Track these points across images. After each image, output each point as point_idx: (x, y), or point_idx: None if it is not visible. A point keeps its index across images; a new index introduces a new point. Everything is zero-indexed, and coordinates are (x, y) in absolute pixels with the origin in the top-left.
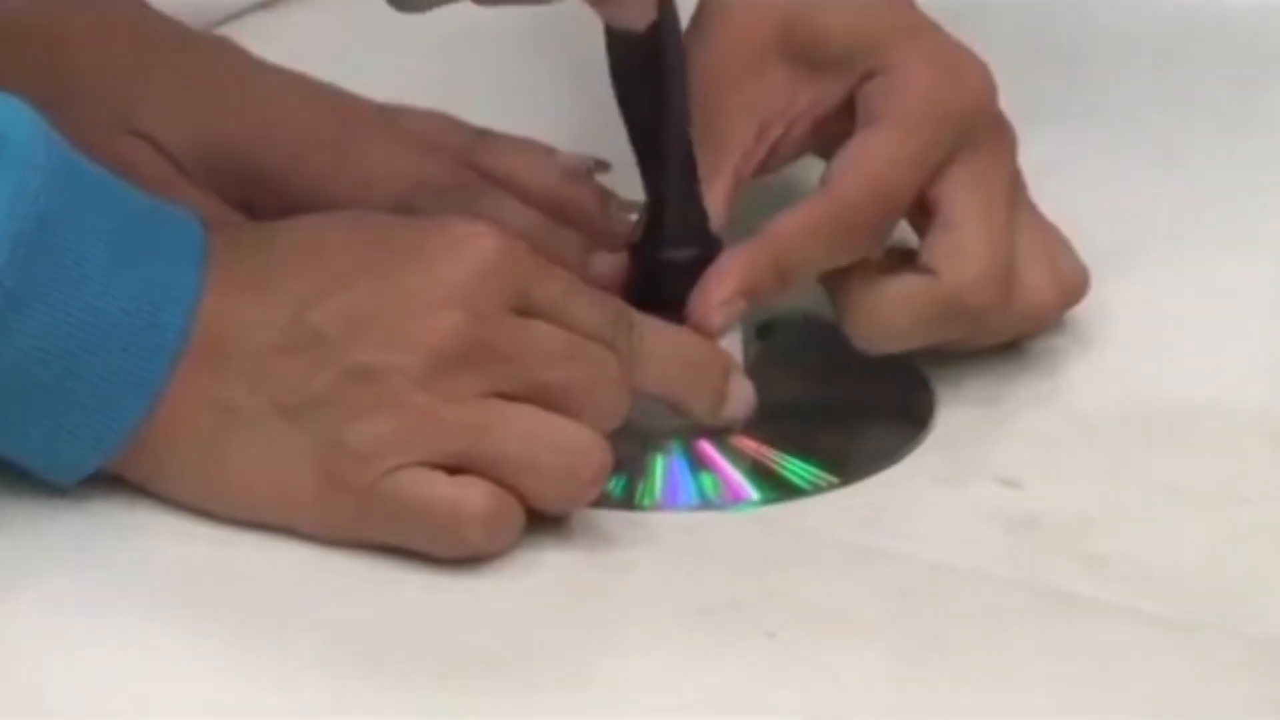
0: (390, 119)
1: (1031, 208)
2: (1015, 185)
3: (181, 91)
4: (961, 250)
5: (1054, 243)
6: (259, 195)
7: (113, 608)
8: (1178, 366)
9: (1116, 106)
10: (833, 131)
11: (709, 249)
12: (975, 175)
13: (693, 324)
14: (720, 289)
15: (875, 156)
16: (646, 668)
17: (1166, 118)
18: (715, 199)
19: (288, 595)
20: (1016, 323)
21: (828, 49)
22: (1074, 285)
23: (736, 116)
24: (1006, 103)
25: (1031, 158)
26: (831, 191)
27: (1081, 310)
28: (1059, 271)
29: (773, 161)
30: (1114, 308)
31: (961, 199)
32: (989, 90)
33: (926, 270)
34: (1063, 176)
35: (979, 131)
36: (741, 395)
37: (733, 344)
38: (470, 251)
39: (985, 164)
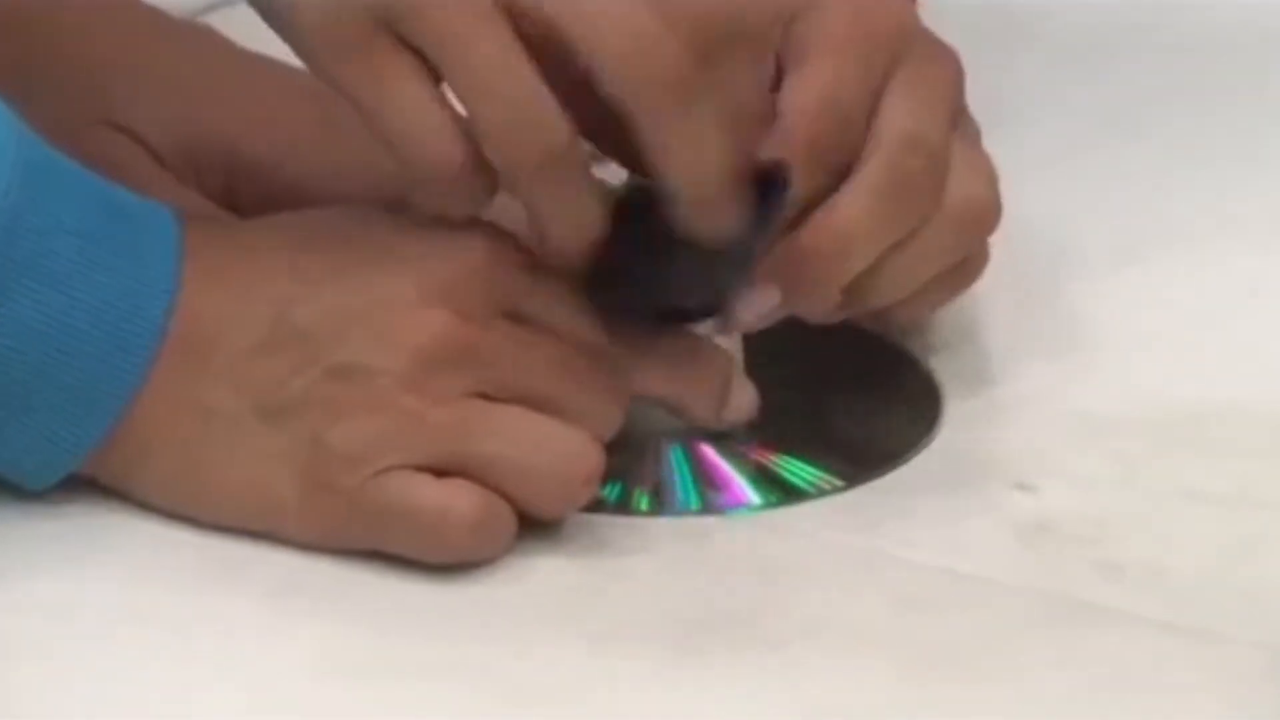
0: None
1: (971, 126)
2: (957, 105)
3: (162, 82)
4: (889, 132)
5: (975, 148)
6: (242, 189)
7: (88, 614)
8: (1195, 366)
9: (1130, 98)
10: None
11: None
12: (909, 88)
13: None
14: (760, 300)
15: (818, 79)
16: (641, 681)
17: (1182, 111)
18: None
19: (270, 603)
20: (952, 215)
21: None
22: (992, 199)
23: None
24: (1019, 93)
25: (1043, 150)
26: (787, 125)
27: (1096, 307)
28: (983, 174)
29: None
30: (1129, 305)
31: (892, 103)
32: (911, 15)
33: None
34: (1075, 169)
35: (912, 53)
36: (744, 398)
37: (732, 343)
38: (459, 249)
39: (921, 80)
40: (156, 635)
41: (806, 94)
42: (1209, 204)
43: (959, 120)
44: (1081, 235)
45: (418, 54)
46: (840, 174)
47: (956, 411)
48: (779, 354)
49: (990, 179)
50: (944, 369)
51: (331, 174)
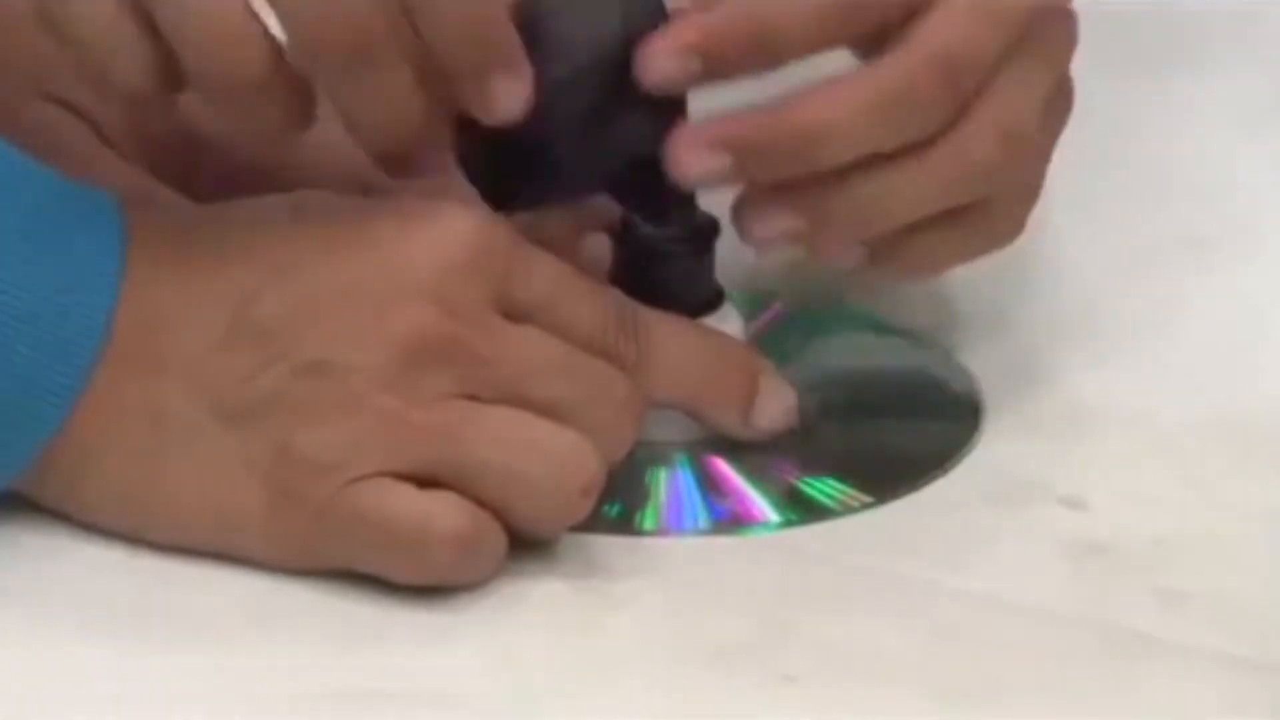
0: None
1: (1045, 56)
2: (1035, 16)
3: None
4: (923, 35)
5: (1032, 101)
6: (197, 171)
7: (23, 645)
8: (1266, 370)
9: (1197, 78)
10: None
11: (705, 230)
12: (1019, 77)
13: (643, 78)
14: (672, 38)
15: (943, 28)
16: (646, 717)
17: (1254, 90)
18: None
19: (231, 630)
20: (943, 163)
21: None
22: (1016, 156)
23: None
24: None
25: (1105, 137)
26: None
27: (1157, 302)
28: (1016, 125)
29: None
30: (1195, 300)
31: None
32: None
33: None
34: (1136, 157)
35: (1040, 27)
36: (777, 401)
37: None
38: (442, 235)
39: (1034, 65)
40: (99, 674)
41: (923, 39)
42: None
43: (1040, 31)
44: (1141, 225)
45: None
46: (879, 30)
47: (998, 419)
48: (800, 355)
49: (1028, 109)
50: (984, 371)
51: (294, 158)
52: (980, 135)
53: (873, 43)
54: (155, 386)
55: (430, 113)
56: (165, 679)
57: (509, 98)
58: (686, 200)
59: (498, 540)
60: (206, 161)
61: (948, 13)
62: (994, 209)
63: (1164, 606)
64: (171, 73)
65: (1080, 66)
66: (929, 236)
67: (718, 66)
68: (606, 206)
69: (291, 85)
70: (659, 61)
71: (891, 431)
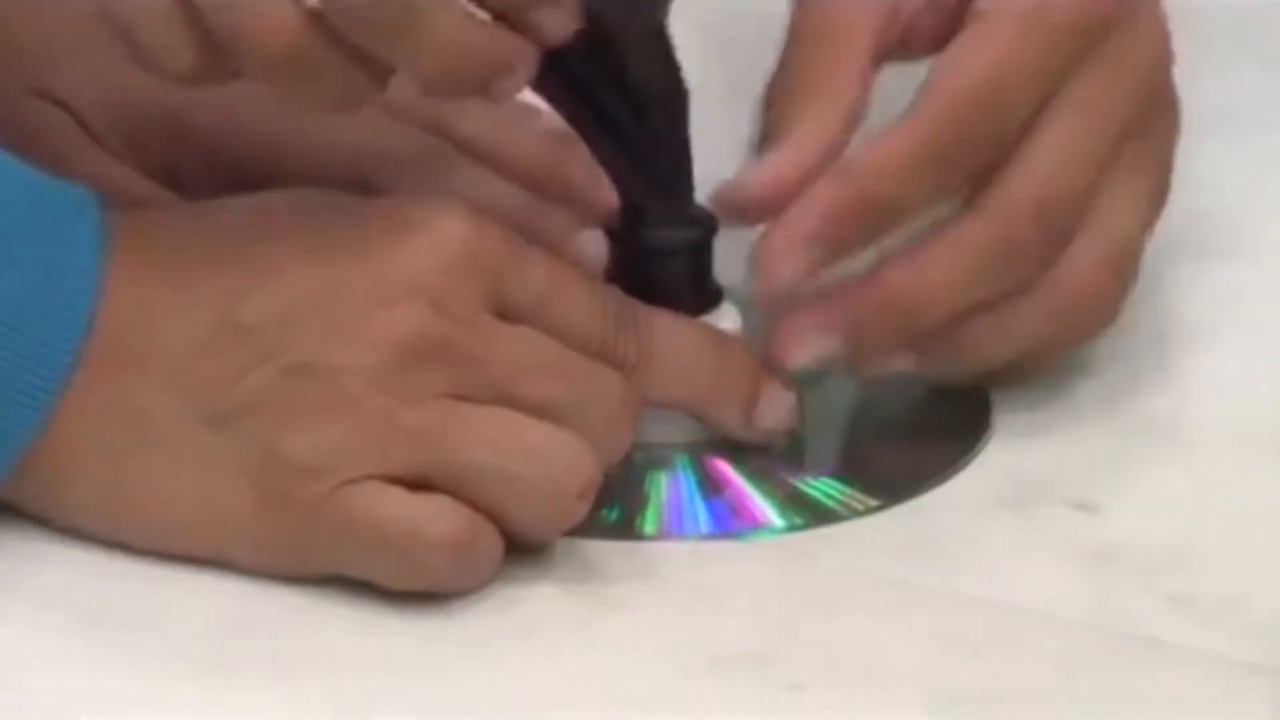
0: None
1: (1150, 159)
2: (1140, 115)
3: (97, 45)
4: (1019, 183)
5: (1140, 215)
6: (187, 168)
7: (4, 654)
8: (1277, 372)
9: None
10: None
11: (703, 228)
12: (1078, 111)
13: (762, 285)
14: (789, 231)
15: (981, 56)
16: None
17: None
18: (842, 87)
19: (217, 638)
20: (1049, 297)
21: None
22: (1124, 279)
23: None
24: None
25: None
26: (928, 104)
27: (1170, 300)
28: (1120, 247)
29: (913, 46)
30: (1208, 297)
31: (1046, 132)
32: (1139, 8)
33: (970, 208)
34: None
35: (1106, 56)
36: (778, 402)
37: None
38: (434, 236)
39: (1096, 100)
40: (79, 686)
41: (963, 77)
42: None
43: (1134, 126)
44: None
45: None
46: (975, 178)
47: (1008, 420)
48: None
49: (1132, 227)
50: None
51: (289, 150)
52: (1088, 266)
53: (975, 186)
54: (138, 387)
55: (489, 53)
56: (149, 689)
57: (556, 27)
58: (686, 196)
59: (492, 545)
60: (196, 158)
61: (1044, 153)
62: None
63: (1175, 611)
64: (222, 54)
65: None
66: (1026, 357)
67: (835, 250)
68: (605, 205)
69: (341, 56)
70: (789, 264)
71: (898, 433)
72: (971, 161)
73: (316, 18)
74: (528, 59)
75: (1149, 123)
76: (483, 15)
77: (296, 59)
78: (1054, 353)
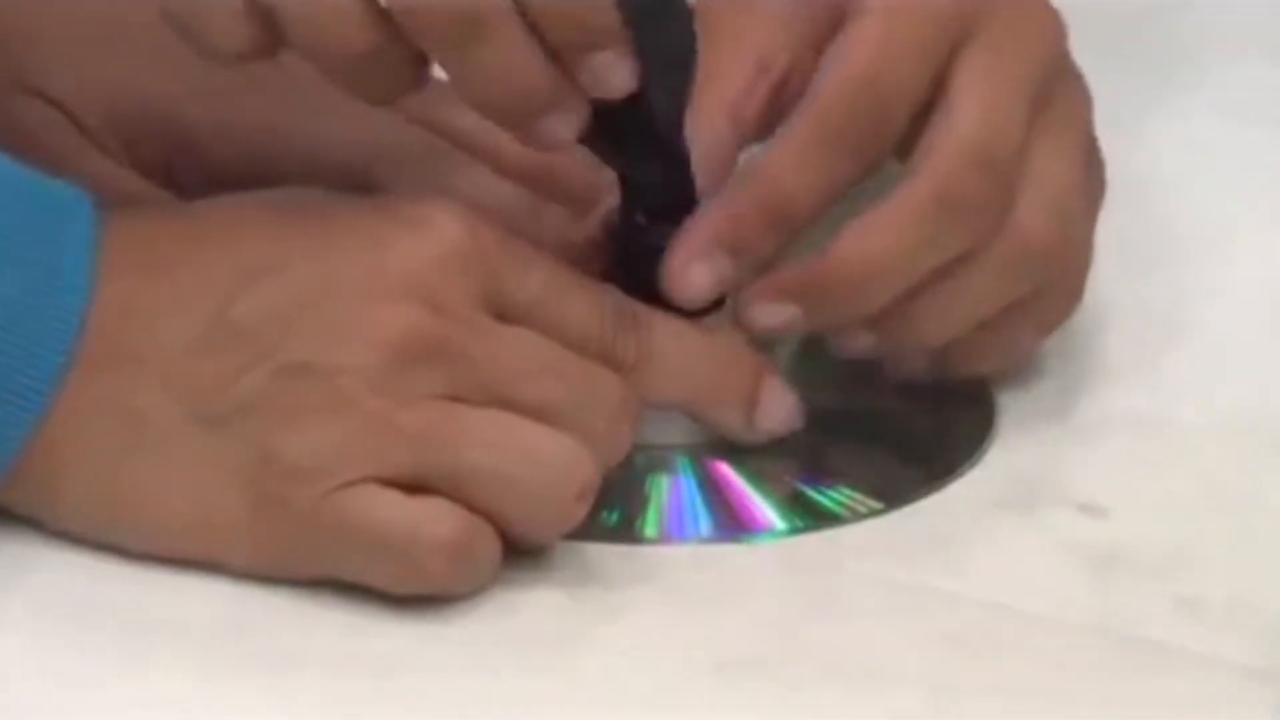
0: None
1: (1067, 121)
2: (1047, 80)
3: (91, 41)
4: (949, 136)
5: (1072, 169)
6: (182, 166)
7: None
8: None
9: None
10: None
11: None
12: (985, 63)
13: (677, 298)
14: (690, 244)
15: (860, 47)
16: None
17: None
18: (708, 153)
19: (211, 643)
20: (1015, 241)
21: None
22: (1068, 230)
23: (727, 44)
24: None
25: (1111, 120)
26: (815, 98)
27: (1170, 301)
28: (1059, 196)
29: (784, 102)
30: (1209, 297)
31: (961, 88)
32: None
33: (907, 173)
34: (1149, 140)
35: (998, 19)
36: (779, 403)
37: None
38: (431, 235)
39: (998, 52)
40: (71, 694)
41: (841, 70)
42: None
43: (1044, 89)
44: (1158, 217)
45: None
46: (871, 163)
47: (1011, 421)
48: (805, 353)
49: (1071, 178)
50: (998, 371)
51: (285, 150)
52: (1031, 218)
53: (898, 154)
54: (131, 388)
55: (545, 88)
56: (142, 692)
57: (614, 73)
58: (688, 195)
59: (490, 548)
60: (191, 157)
61: (964, 104)
62: (1055, 286)
63: (1183, 615)
64: (273, 39)
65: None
66: (995, 333)
67: (744, 255)
68: (603, 202)
69: (400, 54)
70: (693, 278)
71: (901, 434)
72: (866, 145)
73: (386, 18)
74: (579, 108)
75: (1058, 94)
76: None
77: (363, 57)
78: (1016, 327)
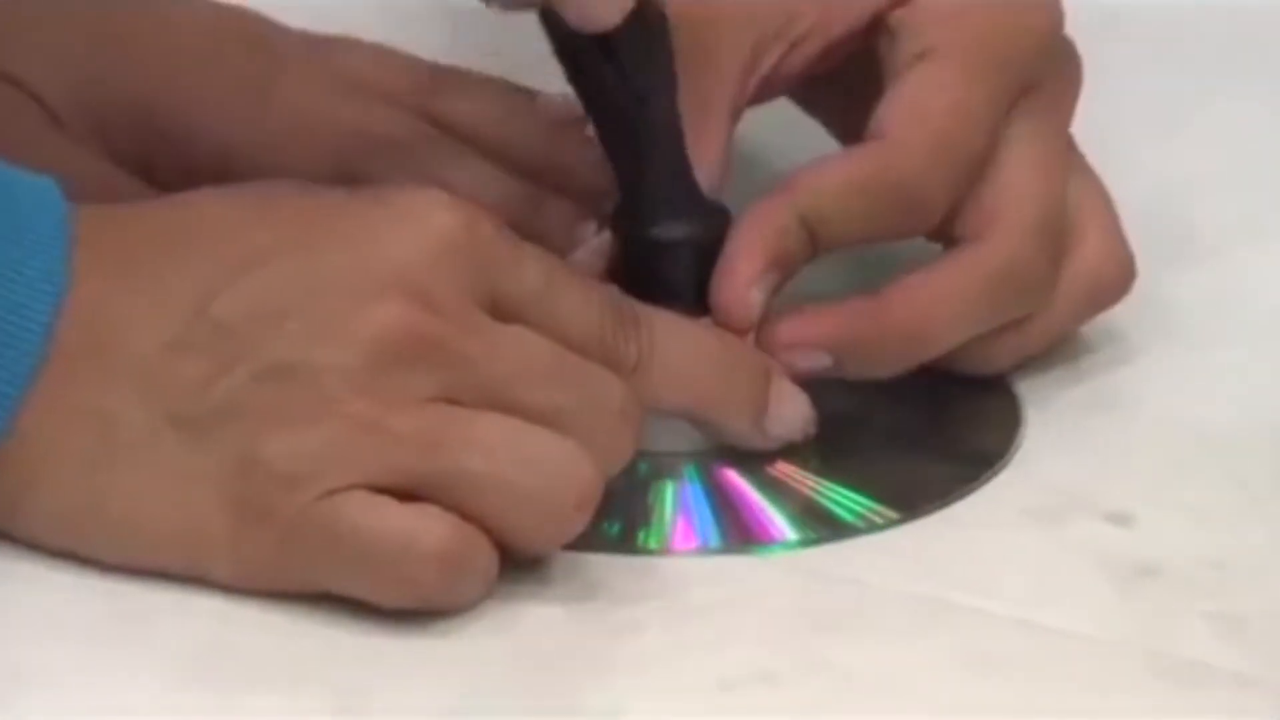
0: (323, 56)
1: (1082, 160)
2: (1068, 133)
3: (62, 25)
4: (1013, 209)
5: (1107, 205)
6: (160, 156)
7: None
8: None
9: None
10: (843, 60)
11: (708, 222)
12: (1034, 126)
13: (721, 316)
14: (748, 264)
15: (939, 104)
16: None
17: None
18: (705, 149)
19: (190, 667)
20: (1073, 300)
21: None
22: (1128, 261)
23: (726, 33)
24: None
25: (1143, 118)
26: (887, 142)
27: (1208, 296)
28: (1116, 237)
29: (764, 95)
30: (1241, 297)
31: (1016, 153)
32: (1056, 17)
33: (968, 240)
34: (1179, 135)
35: (1044, 71)
36: (791, 407)
37: None
38: (421, 227)
39: (1046, 111)
40: (72, 696)
41: (920, 125)
42: None
43: (1070, 142)
44: (1189, 212)
45: None
46: (926, 216)
47: (1037, 426)
48: None
49: (1115, 248)
50: (1022, 376)
51: (266, 142)
52: (1100, 256)
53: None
54: (104, 391)
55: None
56: (142, 699)
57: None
58: (692, 190)
59: (487, 559)
60: (166, 145)
61: (1026, 174)
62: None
63: (1217, 631)
64: None
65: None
66: (991, 343)
67: (786, 270)
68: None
69: None
70: (752, 299)
71: (920, 439)
72: (928, 201)
73: None
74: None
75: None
76: None
77: None
78: (1016, 335)
